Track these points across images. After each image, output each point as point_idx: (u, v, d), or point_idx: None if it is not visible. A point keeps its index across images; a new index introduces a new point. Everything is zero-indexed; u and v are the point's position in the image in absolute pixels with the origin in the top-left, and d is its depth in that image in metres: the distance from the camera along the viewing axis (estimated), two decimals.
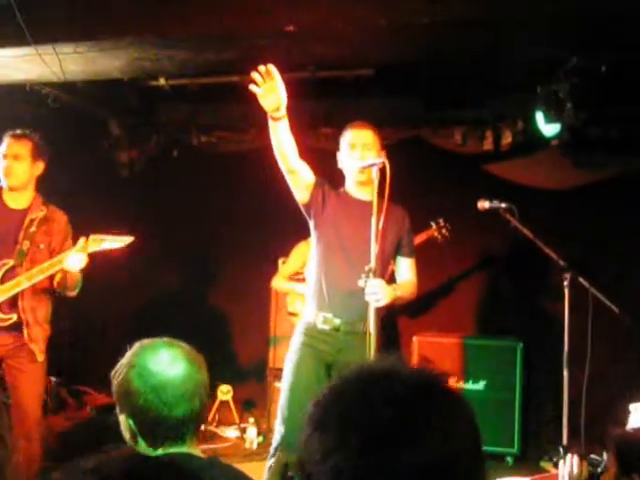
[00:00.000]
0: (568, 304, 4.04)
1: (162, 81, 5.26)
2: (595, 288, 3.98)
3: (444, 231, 5.31)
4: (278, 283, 5.23)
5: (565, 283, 4.05)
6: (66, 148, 5.84)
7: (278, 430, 3.61)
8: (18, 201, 4.06)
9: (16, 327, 3.94)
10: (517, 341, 5.21)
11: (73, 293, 4.05)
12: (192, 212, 6.22)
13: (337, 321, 3.60)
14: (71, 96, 5.35)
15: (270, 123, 3.36)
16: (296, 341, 3.70)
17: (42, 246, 4.02)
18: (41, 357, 4.00)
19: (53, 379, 5.59)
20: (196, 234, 6.24)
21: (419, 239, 5.02)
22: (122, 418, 1.95)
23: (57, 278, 3.98)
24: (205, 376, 1.96)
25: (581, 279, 4.01)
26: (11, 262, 3.94)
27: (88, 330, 6.34)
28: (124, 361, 1.95)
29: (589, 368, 4.00)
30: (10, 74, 4.64)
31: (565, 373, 3.98)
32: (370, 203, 3.46)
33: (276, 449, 3.59)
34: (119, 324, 6.25)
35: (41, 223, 4.05)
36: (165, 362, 1.91)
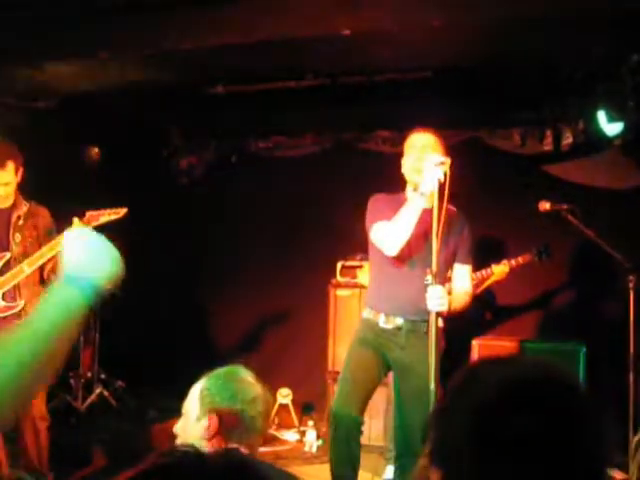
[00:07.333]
0: (633, 306, 3.96)
1: (220, 88, 5.32)
2: None
3: (544, 256, 5.01)
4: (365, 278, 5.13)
5: (630, 285, 3.97)
6: (126, 156, 5.98)
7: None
8: (3, 202, 4.20)
9: (18, 317, 4.03)
10: (580, 345, 5.10)
11: None
12: (251, 216, 6.28)
13: (399, 320, 3.63)
14: (131, 104, 5.46)
15: (417, 205, 3.45)
16: (358, 333, 3.76)
17: (31, 239, 4.16)
18: None
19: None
20: (255, 237, 6.29)
21: (515, 263, 4.95)
22: None
23: (47, 268, 4.06)
24: None
25: None
26: (8, 254, 4.10)
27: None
28: None
29: None
30: (79, 84, 4.81)
31: (631, 377, 3.90)
32: (428, 210, 3.45)
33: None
34: (185, 326, 6.36)
35: (27, 217, 4.20)
36: None
